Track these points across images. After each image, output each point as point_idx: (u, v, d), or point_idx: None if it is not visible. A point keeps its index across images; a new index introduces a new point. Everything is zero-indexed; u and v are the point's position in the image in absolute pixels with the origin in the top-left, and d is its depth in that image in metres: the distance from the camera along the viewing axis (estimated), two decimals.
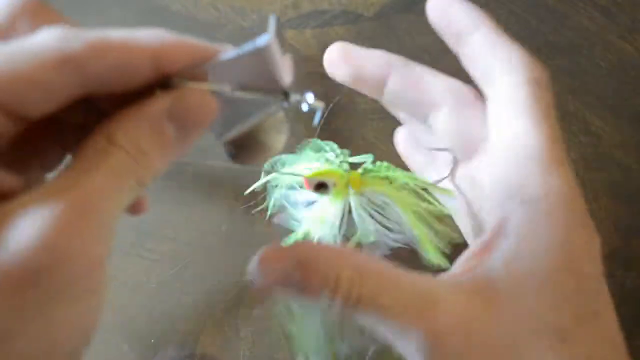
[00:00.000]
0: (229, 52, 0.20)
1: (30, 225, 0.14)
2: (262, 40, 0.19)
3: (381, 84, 0.26)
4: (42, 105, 0.17)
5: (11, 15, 0.17)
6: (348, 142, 0.45)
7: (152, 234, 0.39)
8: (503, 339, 0.19)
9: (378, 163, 0.29)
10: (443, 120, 0.26)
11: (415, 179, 0.27)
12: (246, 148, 0.22)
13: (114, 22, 0.52)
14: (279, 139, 0.22)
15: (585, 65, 0.48)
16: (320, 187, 0.28)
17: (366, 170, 0.29)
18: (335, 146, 0.28)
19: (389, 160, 0.44)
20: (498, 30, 0.26)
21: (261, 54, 0.19)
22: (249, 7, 0.53)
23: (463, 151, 0.26)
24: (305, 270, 0.20)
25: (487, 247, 0.22)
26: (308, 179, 0.28)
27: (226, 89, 0.20)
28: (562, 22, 0.51)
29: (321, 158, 0.28)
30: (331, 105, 0.46)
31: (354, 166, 0.32)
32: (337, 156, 0.29)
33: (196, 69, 0.19)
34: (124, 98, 0.18)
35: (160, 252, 0.40)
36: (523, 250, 0.21)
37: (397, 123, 0.47)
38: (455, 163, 0.25)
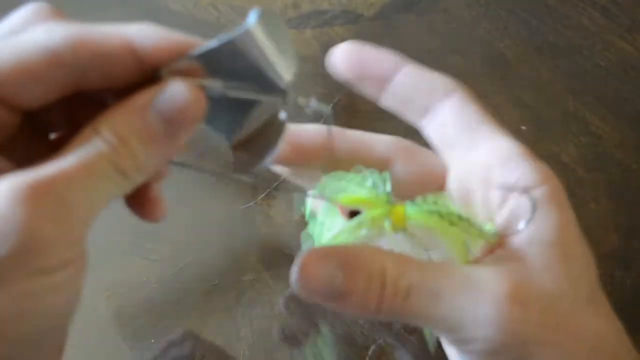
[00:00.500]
0: (210, 42, 0.19)
1: None
2: (240, 27, 0.18)
3: (384, 83, 0.25)
4: (36, 96, 0.18)
5: (24, 20, 0.19)
6: None
7: (152, 234, 0.39)
8: (550, 300, 0.20)
9: (429, 196, 0.24)
10: (434, 129, 0.25)
11: (471, 223, 0.23)
12: (246, 151, 0.22)
13: (114, 22, 0.52)
14: (278, 140, 0.22)
15: (585, 65, 0.48)
16: (355, 215, 0.24)
17: (414, 204, 0.23)
18: (376, 174, 0.25)
19: None
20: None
21: (239, 43, 0.19)
22: (249, 7, 0.53)
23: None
24: (349, 269, 0.20)
25: (500, 241, 0.22)
26: (343, 205, 0.25)
27: (218, 84, 0.19)
28: (562, 22, 0.51)
29: (363, 185, 0.25)
30: (331, 105, 0.46)
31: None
32: (374, 185, 0.25)
33: (181, 63, 0.19)
34: (118, 94, 0.19)
35: (160, 252, 0.40)
36: (538, 232, 0.21)
37: (398, 123, 0.47)
38: (534, 208, 0.22)
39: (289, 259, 0.39)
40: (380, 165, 0.25)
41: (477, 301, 0.20)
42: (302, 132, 0.26)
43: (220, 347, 0.36)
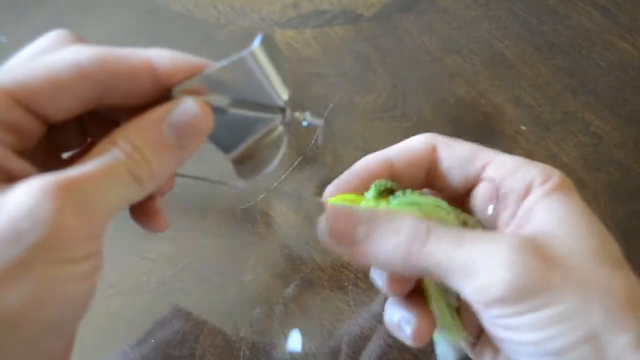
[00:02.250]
0: (218, 63, 0.22)
1: (21, 194, 0.18)
2: (246, 50, 0.21)
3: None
4: (63, 108, 0.20)
5: (50, 43, 0.22)
6: (348, 142, 0.45)
7: (152, 234, 0.39)
8: (563, 253, 0.22)
9: (409, 191, 0.27)
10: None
11: (446, 206, 0.26)
12: (247, 163, 0.24)
13: (115, 22, 0.52)
14: (277, 153, 0.23)
15: (585, 65, 0.48)
16: None
17: (396, 197, 0.27)
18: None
19: None
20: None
21: (246, 62, 0.21)
22: (249, 7, 0.53)
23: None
24: (373, 217, 0.23)
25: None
26: (332, 203, 0.28)
27: (224, 102, 0.22)
28: (562, 22, 0.51)
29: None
30: (331, 105, 0.46)
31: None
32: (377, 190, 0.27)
33: (192, 82, 0.21)
34: (131, 114, 0.21)
35: (160, 252, 0.40)
36: (554, 209, 0.23)
37: (398, 123, 0.48)
38: (497, 194, 0.25)
39: (289, 259, 0.39)
40: (424, 158, 0.27)
41: (494, 248, 0.21)
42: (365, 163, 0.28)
43: (221, 347, 0.36)
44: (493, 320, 0.22)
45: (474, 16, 0.51)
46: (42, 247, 0.17)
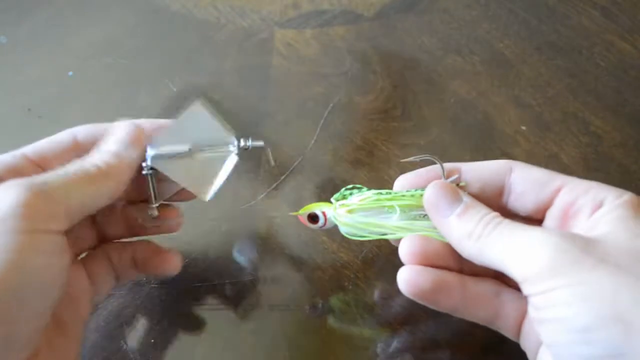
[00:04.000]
0: (173, 120, 0.32)
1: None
2: (193, 104, 0.32)
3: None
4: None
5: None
6: (348, 142, 0.45)
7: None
8: (618, 251, 0.23)
9: (364, 189, 0.33)
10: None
11: (389, 192, 0.32)
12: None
13: (115, 22, 0.52)
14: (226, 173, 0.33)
15: (585, 65, 0.48)
16: (313, 218, 0.34)
17: (337, 199, 0.34)
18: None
19: (387, 160, 0.44)
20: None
21: (195, 111, 0.32)
22: (249, 7, 0.53)
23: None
24: (473, 203, 0.28)
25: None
26: (301, 215, 0.35)
27: (186, 148, 0.31)
28: (562, 22, 0.51)
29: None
30: (331, 105, 0.46)
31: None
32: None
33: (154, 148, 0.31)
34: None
35: None
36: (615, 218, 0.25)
37: (398, 123, 0.48)
38: (442, 168, 0.31)
39: (289, 259, 0.39)
40: (499, 177, 0.30)
41: (539, 233, 0.24)
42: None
43: (221, 347, 0.36)
44: (531, 300, 0.24)
45: (474, 16, 0.51)
46: (11, 216, 0.22)
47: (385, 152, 0.44)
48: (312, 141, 0.43)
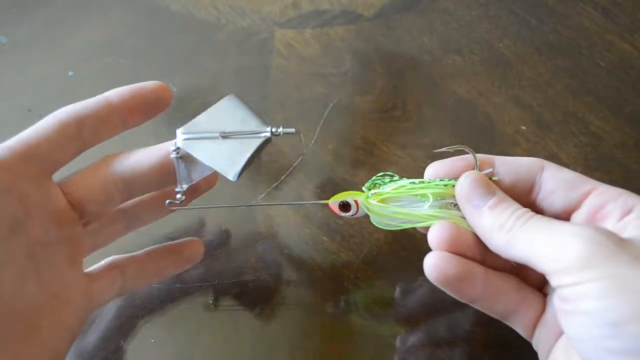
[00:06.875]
0: (209, 109, 0.34)
1: None
2: (227, 97, 0.34)
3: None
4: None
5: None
6: (348, 142, 0.45)
7: (152, 234, 0.39)
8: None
9: (396, 177, 0.32)
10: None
11: (422, 180, 0.31)
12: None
13: (115, 22, 0.52)
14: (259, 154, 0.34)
15: (585, 65, 0.48)
16: (344, 206, 0.33)
17: (368, 188, 0.33)
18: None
19: (387, 160, 0.44)
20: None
21: (229, 101, 0.34)
22: (249, 7, 0.53)
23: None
24: (503, 196, 0.29)
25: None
26: (332, 203, 0.33)
27: (216, 133, 0.33)
28: (562, 22, 0.51)
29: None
30: (331, 105, 0.46)
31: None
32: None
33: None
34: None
35: None
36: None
37: (397, 123, 0.48)
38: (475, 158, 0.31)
39: (289, 259, 0.39)
40: (531, 174, 0.30)
41: (571, 226, 0.25)
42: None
43: (221, 347, 0.36)
44: (559, 292, 0.24)
45: (474, 16, 0.51)
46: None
47: (385, 152, 0.44)
48: (312, 141, 0.43)
